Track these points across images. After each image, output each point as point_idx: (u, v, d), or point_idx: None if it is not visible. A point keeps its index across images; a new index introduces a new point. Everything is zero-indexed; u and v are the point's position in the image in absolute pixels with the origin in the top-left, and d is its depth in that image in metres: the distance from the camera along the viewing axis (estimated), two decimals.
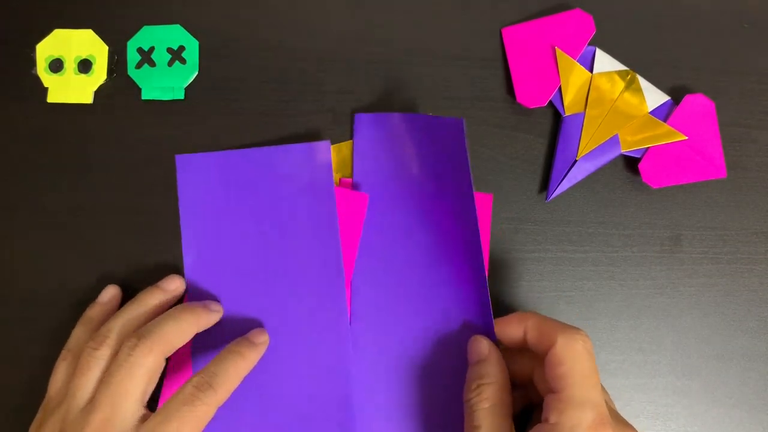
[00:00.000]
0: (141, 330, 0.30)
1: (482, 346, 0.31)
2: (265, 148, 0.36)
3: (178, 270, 0.36)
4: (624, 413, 0.36)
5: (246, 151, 0.36)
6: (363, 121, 0.37)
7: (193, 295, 0.35)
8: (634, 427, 0.28)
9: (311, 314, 0.34)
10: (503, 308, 0.36)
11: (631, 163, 0.38)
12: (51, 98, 0.37)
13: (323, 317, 0.34)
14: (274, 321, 0.34)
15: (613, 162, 0.38)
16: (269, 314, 0.34)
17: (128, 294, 0.35)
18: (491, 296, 0.32)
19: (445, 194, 0.34)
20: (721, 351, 0.36)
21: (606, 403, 0.27)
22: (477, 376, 0.29)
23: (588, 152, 0.36)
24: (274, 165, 0.35)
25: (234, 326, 0.34)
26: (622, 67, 0.38)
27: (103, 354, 0.30)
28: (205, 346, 0.34)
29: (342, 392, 0.33)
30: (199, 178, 0.36)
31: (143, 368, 0.29)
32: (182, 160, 0.36)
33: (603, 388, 0.29)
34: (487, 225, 0.36)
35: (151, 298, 0.33)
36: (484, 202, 0.37)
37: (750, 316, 0.37)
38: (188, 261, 0.35)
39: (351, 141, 0.37)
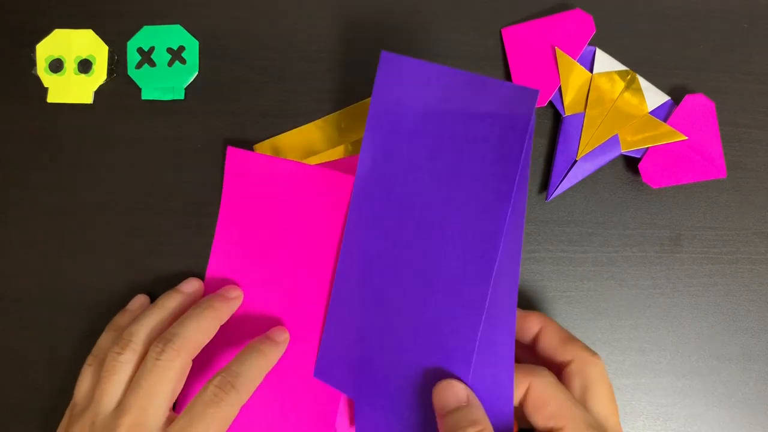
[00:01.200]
0: (166, 334, 0.30)
1: (459, 390, 0.27)
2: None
3: (177, 269, 0.36)
4: (624, 413, 0.36)
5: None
6: (389, 62, 0.30)
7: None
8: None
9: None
10: None
11: (631, 163, 0.38)
12: (51, 98, 0.37)
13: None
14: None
15: (613, 162, 0.38)
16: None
17: (129, 294, 0.35)
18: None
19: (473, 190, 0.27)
20: (721, 351, 0.36)
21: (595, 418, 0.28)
22: (463, 424, 0.26)
23: (588, 152, 0.36)
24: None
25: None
26: (622, 67, 0.38)
27: (127, 358, 0.30)
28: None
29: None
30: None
31: (171, 372, 0.29)
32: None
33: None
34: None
35: (171, 301, 0.33)
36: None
37: (750, 316, 0.37)
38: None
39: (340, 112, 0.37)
